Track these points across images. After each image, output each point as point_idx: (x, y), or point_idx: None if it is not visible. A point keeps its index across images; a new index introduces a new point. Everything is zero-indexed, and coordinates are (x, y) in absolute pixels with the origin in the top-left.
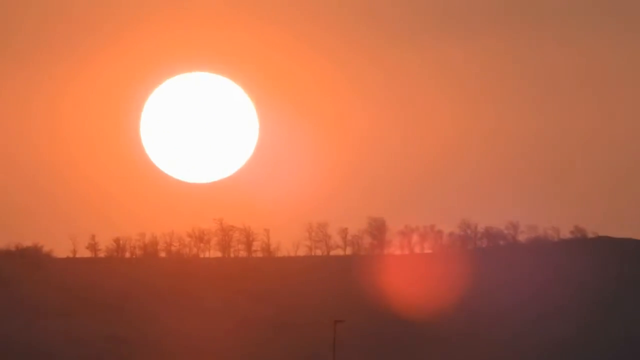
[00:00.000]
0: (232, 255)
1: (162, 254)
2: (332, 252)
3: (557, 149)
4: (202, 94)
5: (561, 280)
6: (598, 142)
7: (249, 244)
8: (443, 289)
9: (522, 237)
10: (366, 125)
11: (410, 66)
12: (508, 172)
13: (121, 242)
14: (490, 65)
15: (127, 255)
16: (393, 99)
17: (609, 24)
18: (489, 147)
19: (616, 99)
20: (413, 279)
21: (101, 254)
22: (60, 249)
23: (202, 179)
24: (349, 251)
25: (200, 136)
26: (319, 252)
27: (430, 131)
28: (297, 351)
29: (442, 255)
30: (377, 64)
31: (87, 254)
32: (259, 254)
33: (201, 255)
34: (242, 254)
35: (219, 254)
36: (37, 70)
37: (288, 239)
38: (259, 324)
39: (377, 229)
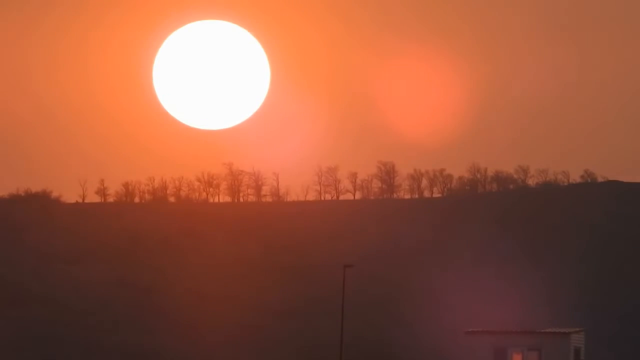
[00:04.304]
0: (241, 199)
1: (172, 199)
2: (342, 197)
3: (567, 93)
4: (215, 42)
5: (571, 224)
6: (609, 85)
7: (258, 189)
8: (452, 234)
9: (531, 182)
10: (377, 69)
11: (424, 10)
12: (518, 116)
13: (130, 187)
14: (503, 6)
15: (136, 200)
16: (405, 42)
17: None
18: (500, 90)
19: (628, 43)
20: (422, 223)
21: (110, 199)
22: (69, 194)
23: (213, 126)
24: (358, 195)
25: (212, 83)
26: (328, 197)
27: (440, 75)
28: (306, 295)
29: (452, 200)
30: (389, 8)
31: (96, 199)
32: (269, 199)
33: (210, 200)
34: (252, 198)
35: (228, 199)
36: (43, 14)
37: (297, 184)
38: (268, 268)
39: (387, 173)
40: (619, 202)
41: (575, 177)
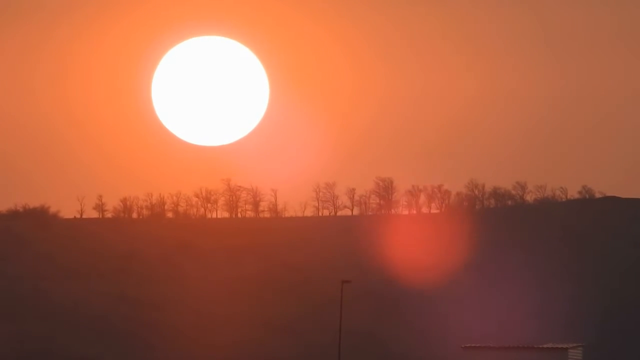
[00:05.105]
0: (239, 215)
1: (169, 215)
2: (340, 213)
3: (566, 109)
4: (214, 58)
5: (568, 240)
6: (607, 101)
7: (256, 205)
8: (450, 250)
9: (529, 197)
10: (374, 86)
11: (424, 26)
12: (516, 133)
13: (128, 202)
14: (502, 25)
15: (134, 215)
16: (405, 60)
17: None
18: (497, 107)
19: (628, 59)
20: (420, 239)
21: (108, 215)
22: (68, 210)
23: (211, 142)
24: (356, 211)
25: (210, 99)
26: (326, 213)
27: (439, 92)
28: (303, 311)
29: (450, 216)
30: (386, 25)
31: (94, 214)
32: (266, 215)
33: (208, 216)
34: (250, 214)
35: (226, 215)
36: (45, 29)
37: (295, 200)
38: (266, 284)
39: (385, 189)
40: (617, 218)
41: (573, 193)
